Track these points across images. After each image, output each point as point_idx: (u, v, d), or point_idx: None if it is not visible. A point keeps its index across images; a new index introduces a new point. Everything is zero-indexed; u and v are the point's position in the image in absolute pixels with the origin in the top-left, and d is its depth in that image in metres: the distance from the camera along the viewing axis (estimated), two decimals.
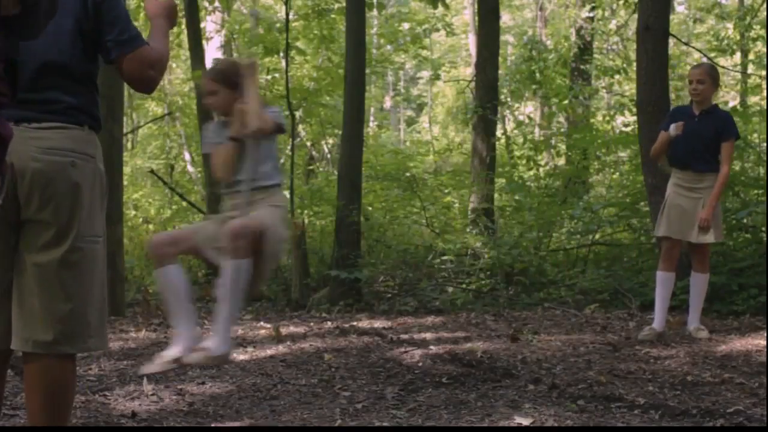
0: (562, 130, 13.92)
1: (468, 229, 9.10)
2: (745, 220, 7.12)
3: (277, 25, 12.38)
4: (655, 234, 5.68)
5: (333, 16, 12.51)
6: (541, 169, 10.35)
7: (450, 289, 7.90)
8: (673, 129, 5.11)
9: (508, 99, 12.61)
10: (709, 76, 5.11)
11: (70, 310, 2.27)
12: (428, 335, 5.62)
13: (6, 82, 1.94)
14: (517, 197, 9.67)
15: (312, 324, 6.33)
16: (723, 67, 14.54)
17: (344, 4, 9.64)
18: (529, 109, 18.95)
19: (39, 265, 2.25)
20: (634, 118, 7.42)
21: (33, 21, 1.97)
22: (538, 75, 14.03)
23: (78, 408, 3.59)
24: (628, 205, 8.38)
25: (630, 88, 11.98)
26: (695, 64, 7.04)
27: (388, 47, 16.61)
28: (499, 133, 12.01)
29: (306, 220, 9.73)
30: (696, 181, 5.11)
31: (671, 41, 10.28)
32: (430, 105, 26.17)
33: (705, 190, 5.08)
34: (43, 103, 2.30)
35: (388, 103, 27.55)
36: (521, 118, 15.44)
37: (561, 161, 12.47)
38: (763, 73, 12.41)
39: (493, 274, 8.06)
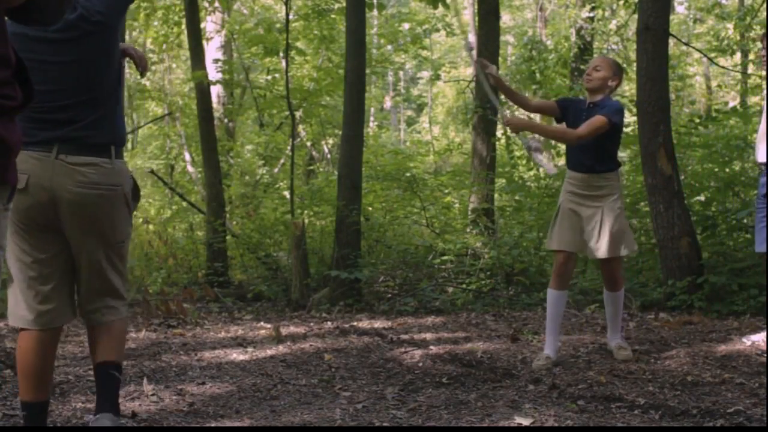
0: None
1: (468, 230, 9.10)
2: (745, 220, 7.11)
3: (277, 25, 12.38)
4: (547, 247, 5.20)
5: (333, 16, 12.52)
6: (541, 169, 10.34)
7: (450, 290, 7.89)
8: (477, 66, 4.33)
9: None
10: (608, 65, 4.69)
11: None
12: (428, 335, 5.62)
13: (15, 85, 1.86)
14: (517, 197, 9.66)
15: (312, 324, 6.33)
16: (723, 67, 14.56)
17: (344, 4, 9.64)
18: None
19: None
20: (634, 118, 7.38)
21: (45, 6, 1.93)
22: (538, 75, 14.06)
23: (78, 408, 3.60)
24: (628, 205, 8.35)
25: (630, 88, 11.97)
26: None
27: (388, 47, 16.62)
28: (499, 133, 12.01)
29: (306, 220, 9.72)
30: (592, 188, 4.58)
31: (671, 41, 10.28)
32: (430, 105, 26.19)
33: (604, 198, 4.57)
34: None
35: (388, 103, 27.58)
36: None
37: (561, 161, 12.46)
38: (763, 73, 12.41)
39: (493, 275, 8.05)
